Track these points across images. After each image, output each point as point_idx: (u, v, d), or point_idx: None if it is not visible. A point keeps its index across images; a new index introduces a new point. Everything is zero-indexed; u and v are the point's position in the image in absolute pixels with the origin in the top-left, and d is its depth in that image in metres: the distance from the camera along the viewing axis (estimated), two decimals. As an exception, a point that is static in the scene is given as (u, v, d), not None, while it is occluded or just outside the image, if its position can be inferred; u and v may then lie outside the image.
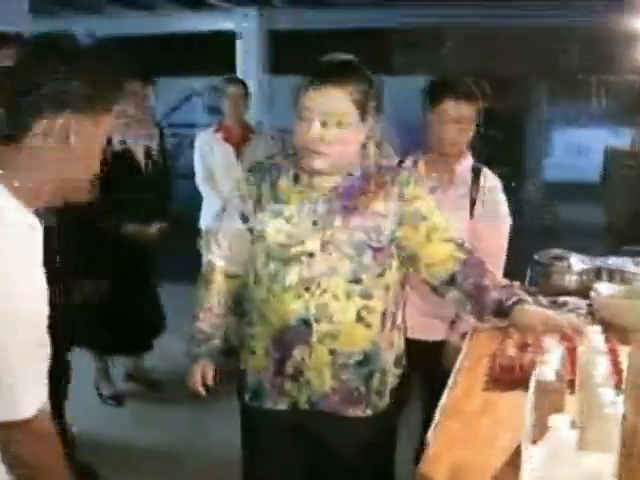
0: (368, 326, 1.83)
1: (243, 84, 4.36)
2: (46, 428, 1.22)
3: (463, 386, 1.91)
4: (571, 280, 2.59)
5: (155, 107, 4.15)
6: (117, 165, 3.28)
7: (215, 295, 1.99)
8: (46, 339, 1.21)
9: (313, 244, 1.80)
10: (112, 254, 3.43)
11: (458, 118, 2.34)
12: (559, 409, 1.36)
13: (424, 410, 2.52)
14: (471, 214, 2.40)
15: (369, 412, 1.89)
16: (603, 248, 3.38)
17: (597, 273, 2.59)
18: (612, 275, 2.53)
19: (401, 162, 2.45)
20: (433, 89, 2.40)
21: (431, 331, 2.44)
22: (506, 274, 2.30)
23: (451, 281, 1.84)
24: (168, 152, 3.95)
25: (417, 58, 8.57)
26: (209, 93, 8.26)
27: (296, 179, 1.85)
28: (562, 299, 2.43)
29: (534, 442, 1.28)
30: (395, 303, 1.92)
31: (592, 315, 2.30)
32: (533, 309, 1.77)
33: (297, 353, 1.82)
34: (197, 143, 4.27)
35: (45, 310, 1.20)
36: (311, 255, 1.80)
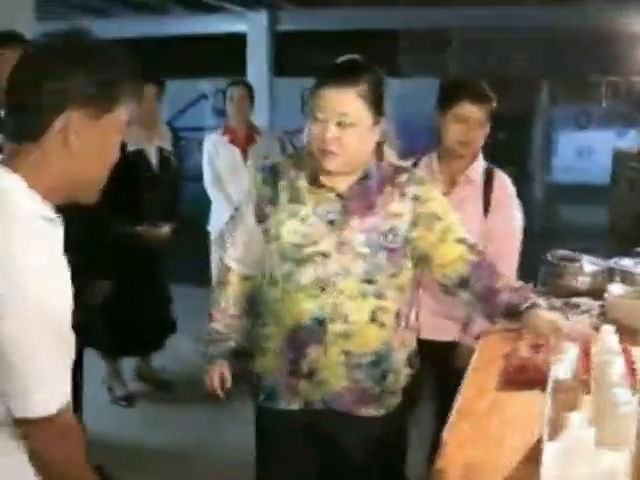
0: (382, 326, 1.84)
1: (247, 86, 4.39)
2: (69, 424, 1.22)
3: (476, 387, 1.92)
4: (583, 281, 2.60)
5: (163, 110, 4.18)
6: (129, 167, 3.30)
7: (230, 296, 2.00)
8: (70, 334, 1.20)
9: (328, 244, 1.81)
10: (122, 255, 3.44)
11: (472, 119, 2.36)
12: (575, 408, 1.37)
13: (435, 410, 2.53)
14: (484, 216, 2.41)
15: (382, 411, 1.90)
16: (607, 250, 3.37)
17: (609, 274, 2.59)
18: (624, 276, 2.53)
19: (415, 163, 2.47)
20: (448, 90, 2.42)
21: (443, 332, 2.45)
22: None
23: (463, 282, 1.86)
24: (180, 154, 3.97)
25: (423, 60, 8.59)
26: (216, 96, 8.30)
27: (311, 180, 1.86)
28: (574, 300, 2.44)
29: (551, 439, 1.29)
30: (408, 303, 1.93)
31: (605, 316, 2.30)
32: (546, 315, 1.81)
33: (311, 353, 1.83)
34: (205, 146, 4.29)
35: (69, 304, 1.19)
36: (326, 255, 1.81)
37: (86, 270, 2.73)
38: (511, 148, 7.43)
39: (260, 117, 5.63)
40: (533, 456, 1.42)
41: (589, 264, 2.65)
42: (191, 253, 4.57)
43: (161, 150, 3.74)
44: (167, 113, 6.06)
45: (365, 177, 1.84)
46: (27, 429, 1.18)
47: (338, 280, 1.80)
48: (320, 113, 1.76)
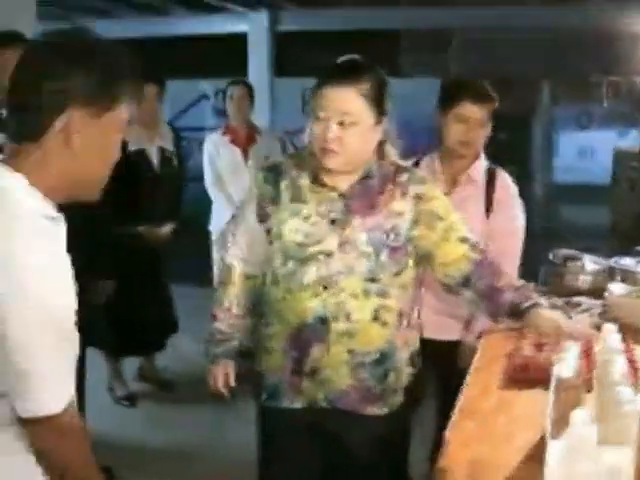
0: (384, 325, 1.85)
1: (247, 85, 4.40)
2: (75, 423, 1.22)
3: (480, 385, 1.92)
4: (585, 280, 2.61)
5: (164, 110, 4.18)
6: (130, 166, 3.30)
7: (233, 296, 2.00)
8: (74, 334, 1.20)
9: (331, 243, 1.81)
10: (123, 254, 3.44)
11: (474, 119, 2.36)
12: (578, 406, 1.37)
13: (438, 409, 2.53)
14: (486, 215, 2.42)
15: (385, 410, 1.90)
16: (608, 249, 3.38)
17: (610, 273, 2.60)
18: (625, 275, 2.54)
19: (417, 163, 2.48)
20: (449, 90, 2.43)
21: (446, 331, 2.45)
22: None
23: (465, 281, 1.86)
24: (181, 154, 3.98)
25: (424, 60, 8.59)
26: (216, 96, 8.31)
27: (314, 179, 1.86)
28: (576, 299, 2.44)
29: (554, 438, 1.29)
30: (411, 302, 1.93)
31: (606, 315, 2.30)
32: (548, 314, 1.81)
33: (314, 351, 1.84)
34: (206, 146, 4.30)
35: (72, 303, 1.19)
36: (329, 254, 1.81)
37: (88, 270, 2.74)
38: (512, 148, 7.42)
39: (261, 117, 5.65)
40: (537, 454, 1.42)
41: (590, 263, 2.66)
42: (192, 253, 4.57)
43: (162, 150, 3.74)
44: (168, 113, 6.06)
45: (367, 176, 1.85)
46: (32, 429, 1.18)
47: (341, 279, 1.80)
48: (322, 112, 1.77)
